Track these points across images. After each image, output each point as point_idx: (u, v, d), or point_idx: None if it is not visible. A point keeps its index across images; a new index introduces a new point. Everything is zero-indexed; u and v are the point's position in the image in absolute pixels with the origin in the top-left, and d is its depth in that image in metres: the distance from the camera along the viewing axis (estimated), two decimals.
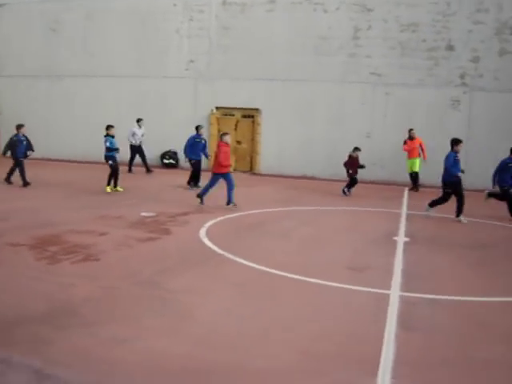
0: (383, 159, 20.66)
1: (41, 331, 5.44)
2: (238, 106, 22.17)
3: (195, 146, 16.82)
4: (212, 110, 22.43)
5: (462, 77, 20.36)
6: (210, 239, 9.87)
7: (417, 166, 19.16)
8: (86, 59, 23.79)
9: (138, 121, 20.75)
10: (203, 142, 17.18)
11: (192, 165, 16.80)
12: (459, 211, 13.14)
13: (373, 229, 11.87)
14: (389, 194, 17.17)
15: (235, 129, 22.30)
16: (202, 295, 6.87)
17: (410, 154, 19.16)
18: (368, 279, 7.98)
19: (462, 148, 13.76)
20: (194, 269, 8.04)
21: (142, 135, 20.65)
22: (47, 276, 7.36)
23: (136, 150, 20.61)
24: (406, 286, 7.66)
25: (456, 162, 13.30)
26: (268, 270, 8.08)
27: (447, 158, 13.35)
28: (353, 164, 16.92)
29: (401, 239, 10.83)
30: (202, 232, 10.48)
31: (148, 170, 20.43)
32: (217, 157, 13.53)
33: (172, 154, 22.76)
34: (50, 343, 5.19)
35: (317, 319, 6.24)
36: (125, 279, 7.32)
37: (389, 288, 7.49)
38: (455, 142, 13.42)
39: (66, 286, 6.91)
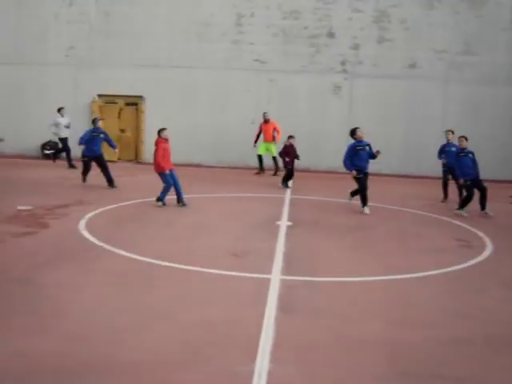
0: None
1: None
2: (120, 94, 21.61)
3: (92, 142, 14.99)
4: (93, 98, 21.76)
5: (342, 63, 20.88)
6: (90, 231, 9.55)
7: (273, 150, 19.02)
8: None
9: (59, 110, 19.22)
10: (102, 136, 15.29)
11: (84, 162, 15.14)
12: (363, 202, 12.88)
13: (257, 214, 11.94)
14: (275, 180, 17.35)
15: (118, 117, 21.76)
16: (77, 290, 6.61)
17: (265, 138, 19.08)
18: (249, 264, 8.01)
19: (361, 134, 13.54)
20: (71, 262, 7.74)
21: (67, 126, 19.07)
22: None
23: (65, 142, 19.12)
24: (287, 269, 7.75)
25: (357, 152, 13.08)
26: (149, 260, 7.92)
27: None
28: (288, 153, 16.28)
29: (283, 224, 10.96)
30: (82, 224, 10.12)
31: (71, 166, 18.58)
32: (155, 155, 12.46)
33: (53, 145, 21.91)
34: None
35: (197, 308, 6.17)
36: None
37: (270, 272, 7.54)
38: (352, 133, 13.48)
39: None
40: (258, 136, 19.16)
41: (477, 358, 5.20)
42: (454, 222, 11.99)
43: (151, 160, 13.28)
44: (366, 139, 13.55)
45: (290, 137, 16.55)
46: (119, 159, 20.09)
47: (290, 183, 16.27)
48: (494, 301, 6.91)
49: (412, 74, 20.77)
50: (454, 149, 14.04)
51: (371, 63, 20.80)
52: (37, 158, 20.96)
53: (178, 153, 18.18)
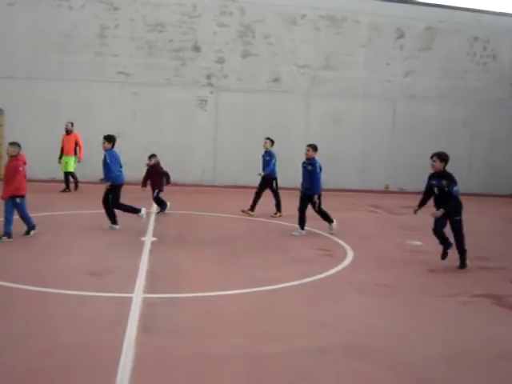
0: (133, 160, 20.49)
1: None
2: None
3: None
4: None
5: (208, 77, 21.04)
6: None
7: (71, 165, 17.66)
8: None
9: None
10: None
11: None
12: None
13: (121, 230, 11.67)
14: (138, 195, 17.02)
15: None
16: None
17: (65, 151, 17.65)
18: (110, 284, 7.77)
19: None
20: None
21: None
22: None
23: None
24: (150, 287, 7.60)
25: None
26: (1, 283, 7.46)
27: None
28: (154, 174, 14.02)
29: (148, 239, 10.78)
30: None
31: None
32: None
33: None
34: None
35: (51, 332, 5.85)
36: None
37: (132, 291, 7.35)
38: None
39: None
40: (62, 149, 17.72)
41: (336, 368, 5.32)
42: (315, 231, 12.32)
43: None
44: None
45: (153, 156, 14.32)
46: None
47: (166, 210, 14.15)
48: (352, 309, 7.14)
49: (276, 88, 21.29)
50: (267, 158, 14.45)
51: (236, 77, 21.09)
52: None
53: (39, 168, 17.52)
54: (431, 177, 9.55)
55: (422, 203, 9.77)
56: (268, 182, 14.26)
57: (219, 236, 11.59)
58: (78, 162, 17.87)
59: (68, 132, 17.64)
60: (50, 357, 5.24)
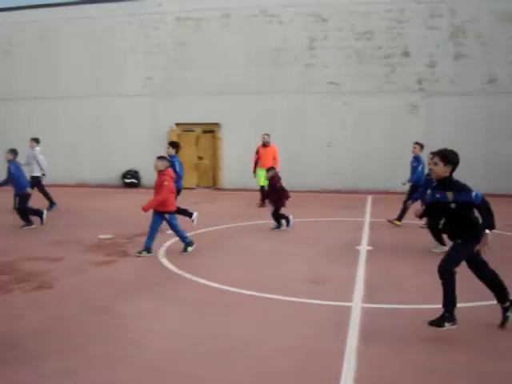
0: (344, 168, 20.65)
1: None
2: (197, 122, 22.01)
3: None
4: (172, 127, 22.18)
5: (419, 82, 20.52)
6: (169, 259, 9.61)
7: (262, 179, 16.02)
8: (42, 80, 23.42)
9: (38, 141, 15.88)
10: None
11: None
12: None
13: (335, 239, 11.73)
14: (351, 203, 17.11)
15: (196, 144, 22.11)
16: (155, 319, 6.60)
17: (261, 164, 16.49)
18: (329, 292, 7.80)
19: None
20: (150, 291, 7.76)
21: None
22: None
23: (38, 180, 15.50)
24: (368, 297, 7.50)
25: None
26: (227, 288, 7.85)
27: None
28: (271, 189, 13.30)
29: (364, 248, 10.70)
30: (161, 252, 10.21)
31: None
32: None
33: (133, 173, 22.43)
34: None
35: (275, 337, 6.02)
36: (77, 307, 7.02)
37: (351, 300, 7.32)
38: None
39: (13, 316, 6.58)
40: (256, 163, 16.78)
41: None
42: None
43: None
44: None
45: (271, 168, 13.53)
46: (198, 186, 20.32)
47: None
48: None
49: (492, 90, 20.13)
50: (415, 164, 13.53)
51: (448, 80, 20.31)
52: (118, 186, 21.45)
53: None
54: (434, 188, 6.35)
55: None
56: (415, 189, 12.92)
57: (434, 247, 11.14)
58: None
59: (265, 145, 16.66)
60: (274, 361, 5.36)
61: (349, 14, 20.77)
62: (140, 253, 9.95)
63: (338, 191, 20.22)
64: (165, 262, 9.48)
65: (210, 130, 22.14)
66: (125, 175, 22.52)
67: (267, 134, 16.61)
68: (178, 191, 12.04)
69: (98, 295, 7.54)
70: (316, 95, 20.87)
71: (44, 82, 23.37)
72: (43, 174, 15.41)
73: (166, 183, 9.97)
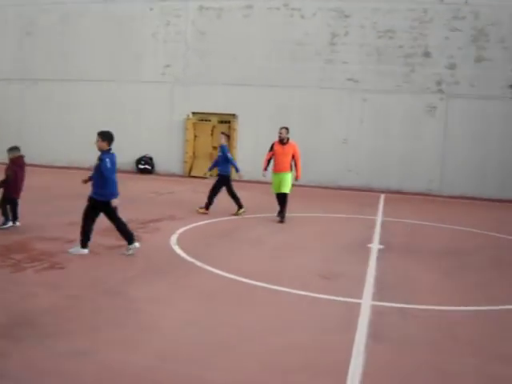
0: (359, 165, 20.62)
1: None
2: (214, 112, 22.03)
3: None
4: (188, 115, 22.22)
5: (438, 83, 20.42)
6: (181, 246, 9.66)
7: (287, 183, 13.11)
8: (61, 63, 23.52)
9: None
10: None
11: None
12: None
13: (347, 236, 11.75)
14: (364, 201, 17.10)
15: (211, 134, 22.13)
16: (167, 305, 6.66)
17: (277, 167, 13.23)
18: (340, 288, 7.83)
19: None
20: (162, 277, 7.82)
21: None
22: (9, 285, 7.07)
23: None
24: (378, 294, 7.52)
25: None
26: (238, 278, 7.89)
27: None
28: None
29: (375, 246, 10.71)
30: (173, 239, 10.27)
31: None
32: None
33: (147, 160, 22.51)
34: (4, 356, 4.95)
35: (284, 330, 6.06)
36: (89, 288, 7.09)
37: (360, 297, 7.34)
38: None
39: (27, 295, 6.65)
40: (269, 162, 13.55)
41: None
42: None
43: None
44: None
45: (14, 149, 10.80)
46: (211, 175, 20.34)
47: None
48: None
49: (511, 95, 20.01)
50: None
51: (468, 83, 20.20)
52: (132, 172, 21.51)
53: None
54: None
55: None
56: None
57: (448, 248, 11.12)
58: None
59: (282, 141, 13.26)
60: (284, 354, 5.40)
61: (371, 12, 20.69)
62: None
63: (351, 188, 20.20)
64: (177, 249, 9.53)
65: (227, 120, 22.16)
66: (139, 161, 22.59)
67: (285, 128, 13.26)
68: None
69: (110, 278, 7.60)
70: (334, 91, 20.83)
71: (63, 64, 23.46)
72: None
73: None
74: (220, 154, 13.65)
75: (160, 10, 22.51)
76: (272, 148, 13.26)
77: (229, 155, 13.57)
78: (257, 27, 21.44)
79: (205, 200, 13.34)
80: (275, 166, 13.14)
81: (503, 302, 7.53)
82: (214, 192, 13.42)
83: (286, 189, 12.92)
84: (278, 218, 12.85)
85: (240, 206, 13.45)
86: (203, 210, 13.24)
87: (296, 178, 13.16)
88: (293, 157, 13.08)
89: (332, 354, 5.45)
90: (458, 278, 8.84)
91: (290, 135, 13.30)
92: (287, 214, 13.03)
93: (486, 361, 5.54)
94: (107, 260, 8.71)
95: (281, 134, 13.16)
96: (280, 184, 12.93)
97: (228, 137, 14.39)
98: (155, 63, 22.65)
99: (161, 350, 5.30)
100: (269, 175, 13.50)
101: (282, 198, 12.96)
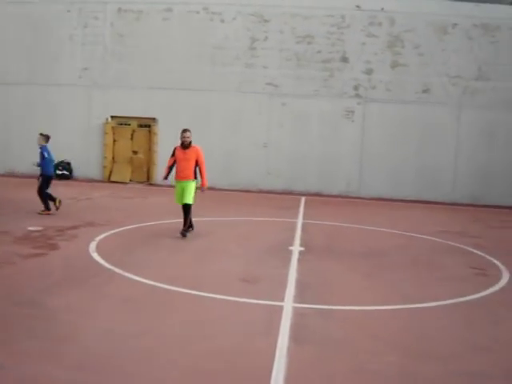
0: (279, 169, 20.82)
1: None
2: (133, 115, 21.72)
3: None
4: (107, 119, 21.81)
5: (355, 88, 20.89)
6: (99, 254, 9.44)
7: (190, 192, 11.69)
8: None
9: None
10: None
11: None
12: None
13: (269, 239, 11.81)
14: (285, 204, 17.26)
15: (131, 138, 21.83)
16: (85, 314, 6.48)
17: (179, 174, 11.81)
18: (262, 291, 7.85)
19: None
20: (80, 286, 7.61)
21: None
22: None
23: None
24: (300, 297, 7.59)
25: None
26: (159, 284, 7.79)
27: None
28: None
29: (296, 249, 10.82)
30: (92, 246, 10.02)
31: None
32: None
33: (65, 165, 21.96)
34: None
35: (207, 335, 6.01)
36: (4, 300, 6.81)
37: (282, 300, 7.38)
38: None
39: None
40: (171, 168, 12.13)
41: None
42: (468, 249, 11.79)
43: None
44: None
45: None
46: (131, 181, 20.05)
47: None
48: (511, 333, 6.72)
49: (426, 99, 20.71)
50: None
51: (385, 88, 20.77)
52: None
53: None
54: None
55: None
56: None
57: (367, 249, 11.39)
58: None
59: (185, 145, 11.65)
60: (207, 360, 5.36)
61: (290, 17, 20.94)
62: None
63: (272, 192, 20.36)
64: (95, 256, 9.31)
65: (147, 124, 21.91)
66: (56, 166, 21.95)
67: (187, 130, 11.76)
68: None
69: (26, 288, 7.34)
70: (254, 95, 20.96)
71: None
72: None
73: None
74: (46, 156, 13.67)
75: (78, 11, 21.98)
76: (174, 153, 11.90)
77: (45, 154, 13.70)
78: (176, 30, 21.30)
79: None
80: (177, 173, 11.76)
81: (420, 300, 7.76)
82: (43, 193, 13.62)
83: (189, 199, 11.56)
84: (180, 233, 11.53)
85: (47, 208, 13.53)
86: (46, 212, 13.38)
87: (201, 186, 11.87)
88: (196, 162, 11.71)
89: (255, 358, 5.45)
90: (377, 278, 9.05)
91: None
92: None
93: (407, 358, 5.67)
94: (23, 269, 8.41)
95: (188, 137, 11.63)
96: (183, 193, 11.59)
97: (48, 137, 14.04)
98: (72, 66, 22.09)
99: (82, 362, 5.15)
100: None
101: (184, 210, 11.65)
